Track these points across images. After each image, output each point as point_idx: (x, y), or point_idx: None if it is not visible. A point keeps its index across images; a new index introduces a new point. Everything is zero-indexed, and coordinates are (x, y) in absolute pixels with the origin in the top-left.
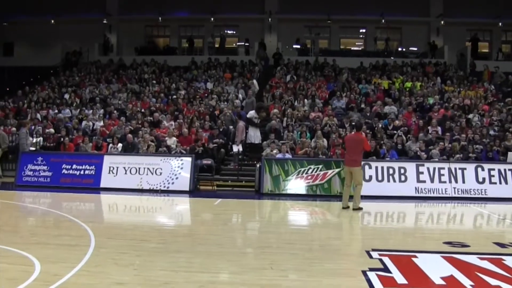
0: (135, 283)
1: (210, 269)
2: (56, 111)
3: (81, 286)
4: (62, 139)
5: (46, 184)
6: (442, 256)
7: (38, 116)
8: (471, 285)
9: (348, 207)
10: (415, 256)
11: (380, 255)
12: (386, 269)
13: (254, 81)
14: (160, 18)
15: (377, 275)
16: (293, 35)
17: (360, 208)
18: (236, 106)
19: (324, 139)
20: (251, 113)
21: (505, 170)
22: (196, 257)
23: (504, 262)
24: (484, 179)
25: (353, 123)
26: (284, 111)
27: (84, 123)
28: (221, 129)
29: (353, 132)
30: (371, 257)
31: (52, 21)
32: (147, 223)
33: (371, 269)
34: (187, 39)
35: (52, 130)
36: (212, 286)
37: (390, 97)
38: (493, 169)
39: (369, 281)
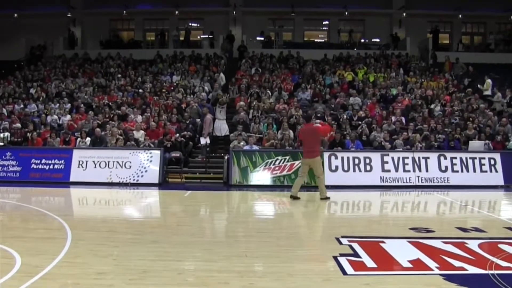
0: (115, 272)
1: (187, 258)
2: (22, 105)
3: (63, 277)
4: (29, 134)
5: (15, 179)
6: (409, 241)
7: (4, 111)
8: (436, 267)
9: (297, 197)
10: (383, 242)
11: (349, 241)
12: (355, 254)
13: (221, 74)
14: (124, 12)
15: (348, 260)
16: (258, 27)
17: (328, 198)
18: (202, 99)
19: (290, 131)
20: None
21: (466, 158)
22: (172, 247)
23: (466, 245)
24: (446, 167)
25: (304, 115)
26: (250, 103)
27: (50, 117)
28: (188, 122)
29: (304, 125)
30: (340, 243)
31: (15, 14)
32: (120, 216)
33: (341, 255)
34: (158, 33)
35: (19, 125)
36: (190, 273)
37: (354, 89)
38: (455, 158)
39: (340, 265)
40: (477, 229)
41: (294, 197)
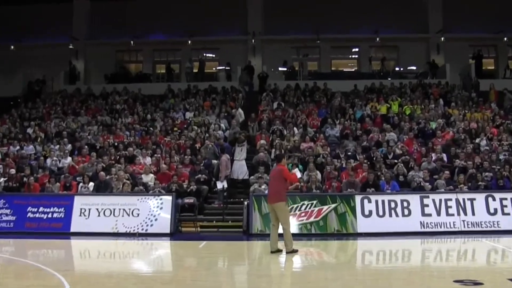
0: None
1: None
2: (18, 147)
3: None
4: (25, 179)
5: (9, 229)
6: None
7: None
8: None
9: (279, 250)
10: None
11: None
12: None
13: (240, 109)
14: (132, 42)
15: None
16: (280, 57)
17: (295, 251)
18: (218, 137)
19: (318, 172)
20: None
21: None
22: None
23: None
24: (495, 210)
25: (276, 154)
26: (272, 141)
27: (49, 160)
28: (203, 164)
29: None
30: None
31: (12, 46)
32: (127, 270)
33: None
34: (167, 64)
35: (13, 171)
36: None
37: (389, 123)
38: (505, 199)
39: None
40: None
41: (276, 251)
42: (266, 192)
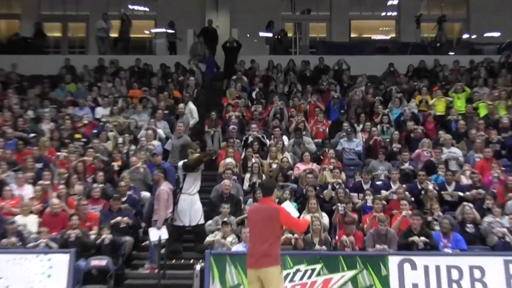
0: None
1: None
2: None
3: None
4: None
5: None
6: None
7: None
8: None
9: None
10: None
11: None
12: None
13: (191, 104)
14: None
15: None
16: (261, 15)
17: None
18: (153, 153)
19: (324, 214)
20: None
21: None
22: None
23: None
24: None
25: (262, 183)
26: (246, 160)
27: None
28: (125, 199)
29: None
30: None
31: None
32: None
33: None
34: (64, 24)
35: None
36: None
37: (449, 131)
38: None
39: None
40: None
41: None
42: (235, 248)
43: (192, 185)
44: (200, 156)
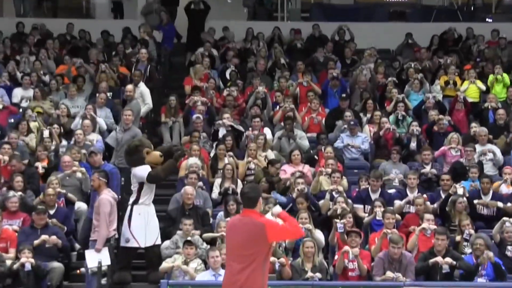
0: None
1: None
2: None
3: None
4: None
5: None
6: None
7: None
8: None
9: None
10: None
11: None
12: None
13: (143, 86)
14: None
15: None
16: None
17: None
18: (92, 150)
19: (319, 232)
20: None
21: None
22: None
23: None
24: None
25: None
26: (217, 159)
27: None
28: (54, 212)
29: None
30: None
31: None
32: None
33: None
34: None
35: None
36: None
37: (484, 122)
38: None
39: None
40: None
41: None
42: (199, 278)
43: (149, 194)
44: (170, 163)
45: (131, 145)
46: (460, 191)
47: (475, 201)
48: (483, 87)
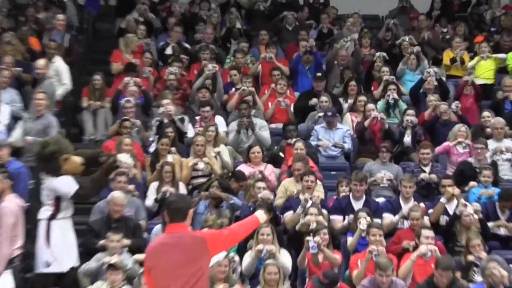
0: None
1: None
2: None
3: None
4: None
5: None
6: None
7: None
8: None
9: None
10: None
11: None
12: None
13: (58, 61)
14: None
15: None
16: None
17: None
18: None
19: (285, 252)
20: None
21: None
22: None
23: None
24: None
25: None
26: (156, 157)
27: None
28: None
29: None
30: None
31: None
32: None
33: None
34: None
35: None
36: None
37: (499, 112)
38: None
39: None
40: None
41: None
42: None
43: (69, 206)
44: (100, 178)
45: (45, 151)
46: (470, 209)
47: (490, 224)
48: (503, 57)
